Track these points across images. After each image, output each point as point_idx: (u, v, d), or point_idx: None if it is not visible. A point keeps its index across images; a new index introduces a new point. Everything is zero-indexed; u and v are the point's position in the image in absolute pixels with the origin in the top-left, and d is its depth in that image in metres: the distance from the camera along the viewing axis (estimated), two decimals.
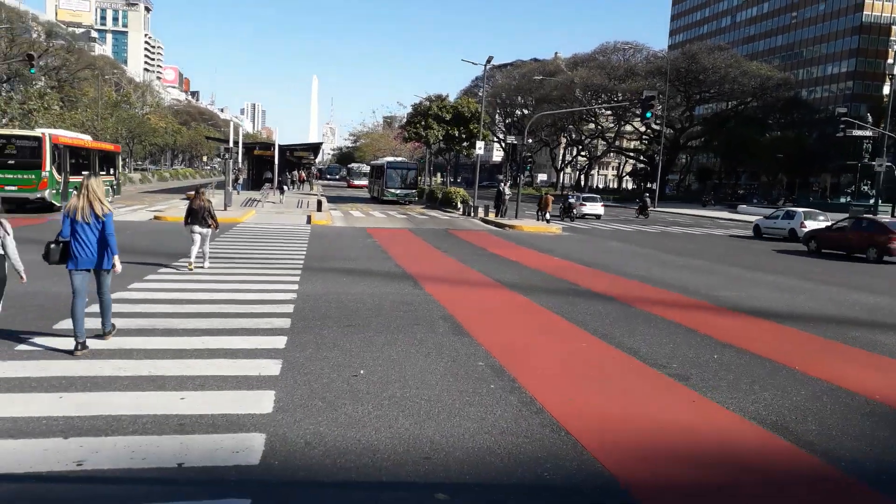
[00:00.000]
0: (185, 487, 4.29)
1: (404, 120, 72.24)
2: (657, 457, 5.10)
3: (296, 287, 11.77)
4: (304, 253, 17.00)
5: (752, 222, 34.03)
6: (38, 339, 7.52)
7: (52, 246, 7.25)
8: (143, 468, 4.53)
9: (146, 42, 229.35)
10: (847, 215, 27.44)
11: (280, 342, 7.88)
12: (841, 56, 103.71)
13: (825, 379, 7.30)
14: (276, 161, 42.45)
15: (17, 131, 29.67)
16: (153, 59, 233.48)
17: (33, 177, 24.58)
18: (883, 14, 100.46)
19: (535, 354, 8.02)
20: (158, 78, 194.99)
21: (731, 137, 76.95)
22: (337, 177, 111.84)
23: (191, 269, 13.08)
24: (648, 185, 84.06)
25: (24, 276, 7.30)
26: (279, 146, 52.89)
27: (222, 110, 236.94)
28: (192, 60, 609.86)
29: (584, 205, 40.36)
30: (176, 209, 29.85)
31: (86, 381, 6.21)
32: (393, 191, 45.99)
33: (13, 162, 24.54)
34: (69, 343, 7.18)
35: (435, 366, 7.22)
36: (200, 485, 4.31)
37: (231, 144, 38.80)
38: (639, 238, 27.75)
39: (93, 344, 7.37)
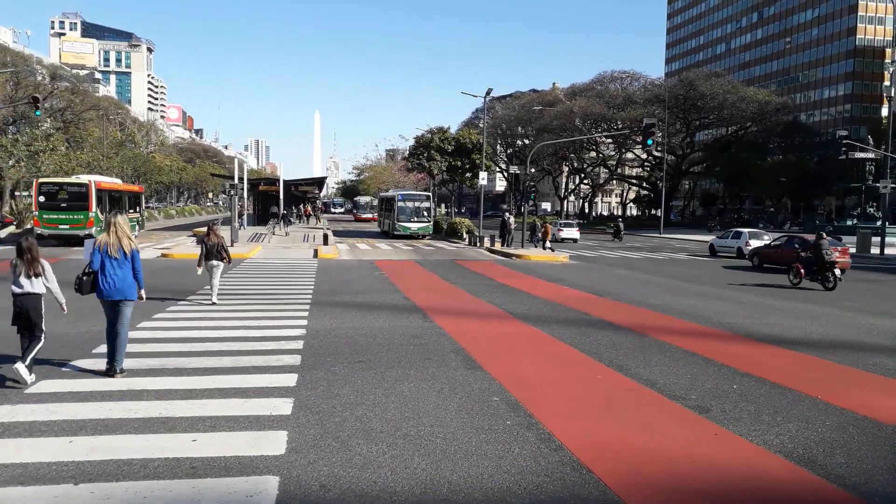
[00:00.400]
0: None
1: (406, 152, 72.80)
2: (682, 494, 4.95)
3: (305, 322, 11.68)
4: (312, 287, 16.94)
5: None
6: (46, 382, 7.43)
7: (84, 278, 7.87)
8: None
9: (149, 82, 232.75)
10: (794, 238, 27.21)
11: (291, 380, 7.77)
12: (837, 80, 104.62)
13: (850, 408, 7.14)
14: (282, 196, 42.80)
15: (67, 179, 34.20)
16: (156, 99, 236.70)
17: (82, 217, 29.75)
18: (876, 38, 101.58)
19: (550, 388, 7.89)
20: (162, 117, 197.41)
21: (732, 163, 77.22)
22: (342, 210, 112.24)
23: (214, 303, 13.74)
24: (652, 212, 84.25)
25: (64, 307, 7.90)
26: (284, 181, 53.19)
27: (226, 147, 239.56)
28: (194, 99, 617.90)
29: (562, 230, 45.11)
30: (183, 246, 29.93)
31: (96, 423, 6.10)
32: (405, 224, 42.52)
33: (65, 205, 29.82)
34: (79, 384, 7.08)
35: (449, 402, 7.09)
36: None
37: (236, 181, 39.03)
38: (646, 265, 27.64)
39: (103, 385, 7.28)
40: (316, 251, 28.36)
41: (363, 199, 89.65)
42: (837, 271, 19.38)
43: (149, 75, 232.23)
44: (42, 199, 29.83)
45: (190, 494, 4.69)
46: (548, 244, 34.18)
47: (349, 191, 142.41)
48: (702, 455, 5.72)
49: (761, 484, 5.16)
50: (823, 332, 12.11)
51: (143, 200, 44.64)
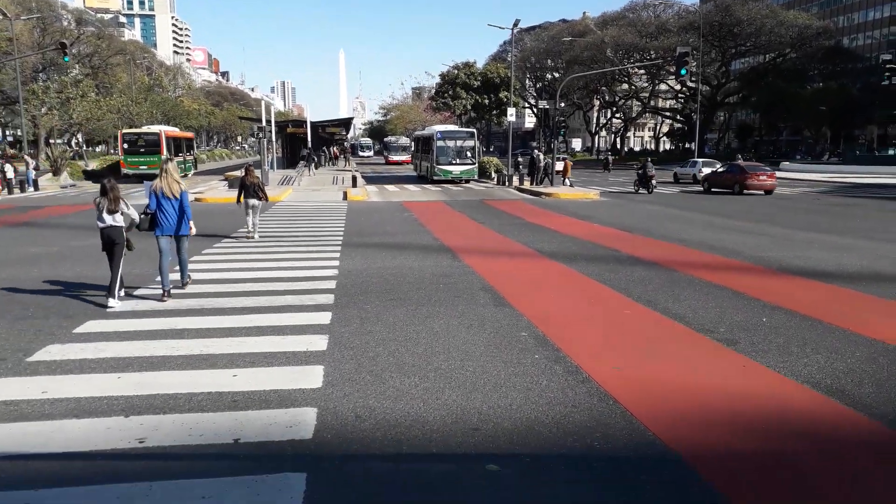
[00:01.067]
0: (244, 462, 4.41)
1: (433, 90, 71.74)
2: (709, 424, 5.06)
3: (337, 263, 11.89)
4: (343, 229, 17.14)
5: (798, 179, 38.07)
6: (91, 322, 7.77)
7: (142, 216, 9.01)
8: (202, 444, 4.68)
9: (174, 24, 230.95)
10: (734, 165, 32.94)
11: (325, 318, 7.99)
12: (882, 0, 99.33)
13: (880, 339, 7.12)
14: (309, 138, 42.68)
15: (143, 129, 42.85)
16: (181, 42, 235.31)
17: (157, 159, 35.77)
18: None
19: (578, 323, 8.00)
20: (188, 60, 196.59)
21: (770, 92, 74.53)
22: (370, 153, 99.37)
23: (250, 238, 15.17)
24: (686, 146, 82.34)
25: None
26: (311, 123, 52.99)
27: (253, 90, 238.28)
28: (219, 41, 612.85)
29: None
30: (215, 190, 30.31)
31: (142, 361, 6.40)
32: (446, 168, 37.08)
33: (143, 150, 38.95)
34: (125, 324, 7.39)
35: (478, 337, 7.25)
36: (257, 459, 4.43)
37: (264, 123, 39.06)
38: (679, 201, 27.27)
39: (146, 325, 7.59)
40: (345, 193, 28.50)
41: (395, 140, 76.18)
42: (654, 182, 30.73)
43: (173, 17, 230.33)
44: (126, 146, 39.28)
45: (232, 426, 4.94)
46: (567, 181, 33.93)
47: (376, 131, 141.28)
48: (729, 386, 5.81)
49: (788, 413, 5.24)
50: (859, 265, 11.95)
51: (195, 146, 53.35)
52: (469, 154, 37.81)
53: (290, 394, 5.57)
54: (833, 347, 6.85)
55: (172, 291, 9.13)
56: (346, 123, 68.44)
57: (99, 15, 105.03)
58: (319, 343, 6.97)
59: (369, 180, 41.16)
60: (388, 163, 68.41)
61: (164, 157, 34.11)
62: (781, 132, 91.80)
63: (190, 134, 52.94)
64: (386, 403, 5.37)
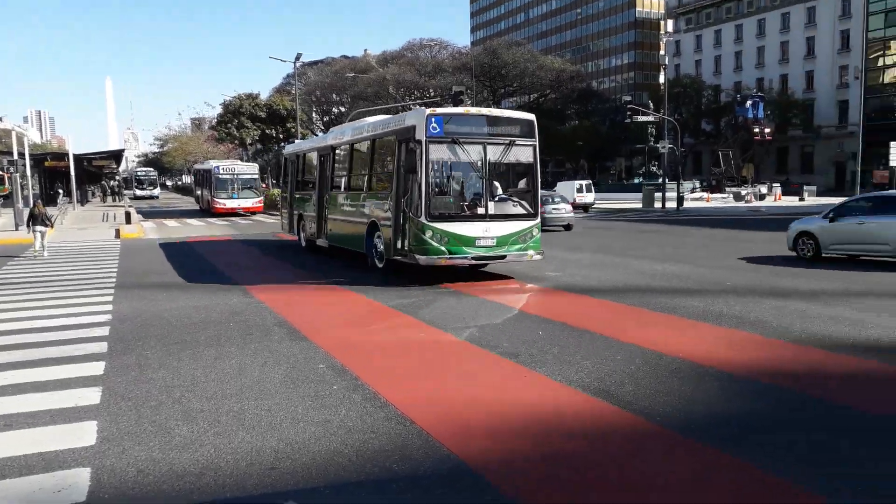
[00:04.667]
0: None
1: (215, 120, 68.74)
2: (497, 433, 5.38)
3: (110, 307, 10.85)
4: (116, 269, 15.70)
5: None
6: None
7: None
8: None
9: None
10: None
11: (97, 368, 7.24)
12: (622, 49, 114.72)
13: (637, 343, 8.10)
14: (73, 172, 38.54)
15: None
16: None
17: None
18: (652, 11, 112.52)
19: (375, 350, 8.10)
20: None
21: None
22: (152, 189, 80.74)
23: (37, 256, 18.34)
24: None
25: None
26: (74, 156, 48.09)
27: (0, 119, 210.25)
28: None
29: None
30: None
31: None
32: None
33: None
34: None
35: (273, 374, 7.04)
36: None
37: (15, 157, 34.70)
38: None
39: None
40: (118, 231, 26.17)
41: (144, 173, 73.49)
42: None
43: None
44: None
45: None
46: None
47: (152, 164, 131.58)
48: (512, 396, 6.25)
49: (564, 416, 5.76)
50: (615, 280, 13.51)
51: None
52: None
53: (58, 455, 4.96)
54: (599, 353, 7.66)
55: None
56: (116, 156, 63.01)
57: None
58: (91, 396, 6.30)
59: (147, 215, 38.32)
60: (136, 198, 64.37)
61: None
62: (548, 164, 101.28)
63: None
64: (172, 454, 5.00)
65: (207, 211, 38.66)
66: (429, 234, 12.12)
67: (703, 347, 7.94)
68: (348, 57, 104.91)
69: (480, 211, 12.52)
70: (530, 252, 12.90)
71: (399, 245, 12.90)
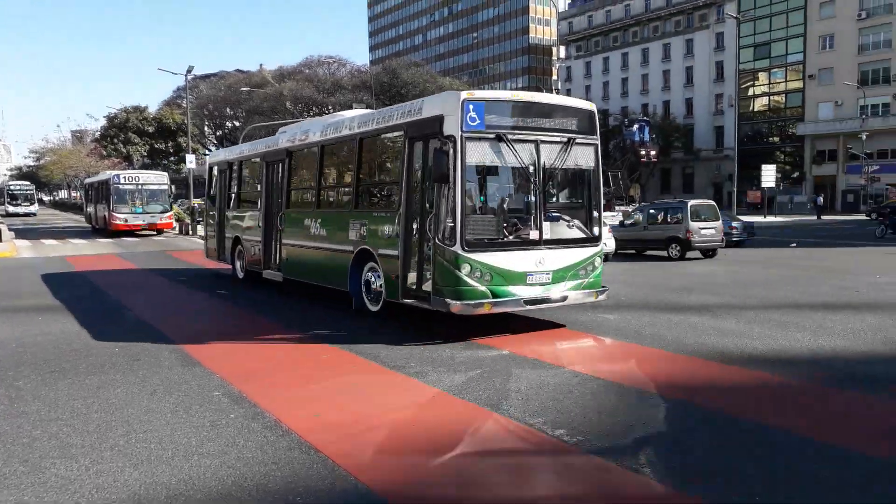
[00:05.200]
0: None
1: (98, 133, 65.03)
2: (404, 456, 5.24)
3: None
4: None
5: None
6: None
7: None
8: None
9: None
10: None
11: None
12: (517, 74, 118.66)
13: (543, 360, 8.18)
14: None
15: None
16: None
17: None
18: (544, 38, 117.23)
19: (276, 374, 7.74)
20: None
21: None
22: (30, 206, 69.44)
23: None
24: None
25: None
26: None
27: None
28: None
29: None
30: None
31: None
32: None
33: None
34: None
35: (163, 404, 6.55)
36: None
37: None
38: None
39: None
40: None
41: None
42: None
43: None
44: None
45: None
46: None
47: (27, 178, 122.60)
48: (420, 417, 6.12)
49: (475, 435, 5.69)
50: None
51: None
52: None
53: None
54: (506, 371, 7.67)
55: None
56: None
57: None
58: None
59: (20, 233, 34.94)
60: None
61: None
62: None
63: None
64: (48, 496, 4.50)
65: (103, 230, 33.94)
66: (466, 269, 8.73)
67: (604, 364, 8.12)
68: (243, 71, 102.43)
69: (532, 235, 9.26)
70: (594, 291, 9.87)
71: (412, 283, 9.55)
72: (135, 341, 9.33)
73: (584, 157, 9.80)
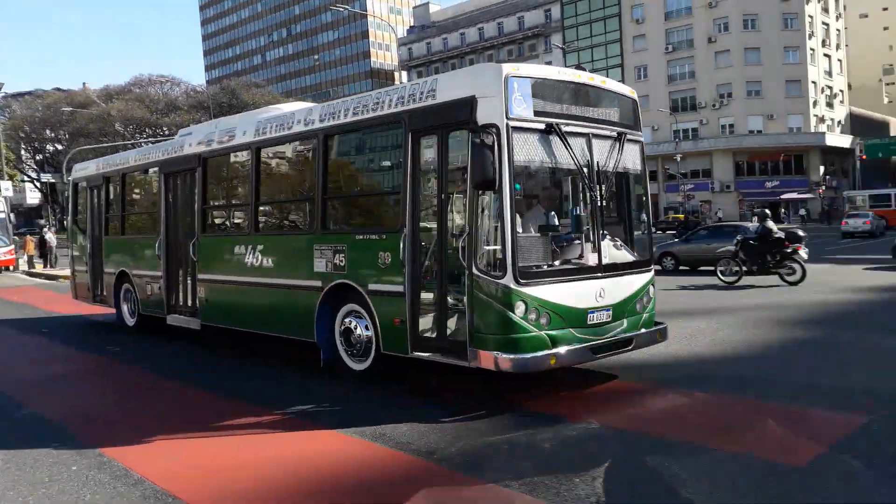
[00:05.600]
0: None
1: None
2: (270, 497, 5.07)
3: None
4: None
5: None
6: None
7: None
8: None
9: None
10: None
11: None
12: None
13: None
14: None
15: None
16: None
17: None
18: (386, 62, 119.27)
19: (121, 417, 7.18)
20: None
21: None
22: None
23: None
24: None
25: None
26: None
27: None
28: None
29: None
30: None
31: None
32: None
33: None
34: None
35: None
36: None
37: None
38: None
39: None
40: None
41: None
42: None
43: None
44: None
45: None
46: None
47: None
48: (288, 455, 5.95)
49: (346, 469, 5.60)
50: None
51: None
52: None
53: None
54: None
55: None
56: None
57: None
58: None
59: None
60: None
61: None
62: None
63: None
64: None
65: None
66: (520, 308, 6.43)
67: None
68: (63, 90, 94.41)
69: (591, 261, 7.10)
70: (657, 331, 7.79)
71: (427, 330, 7.12)
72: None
73: (631, 157, 7.73)
